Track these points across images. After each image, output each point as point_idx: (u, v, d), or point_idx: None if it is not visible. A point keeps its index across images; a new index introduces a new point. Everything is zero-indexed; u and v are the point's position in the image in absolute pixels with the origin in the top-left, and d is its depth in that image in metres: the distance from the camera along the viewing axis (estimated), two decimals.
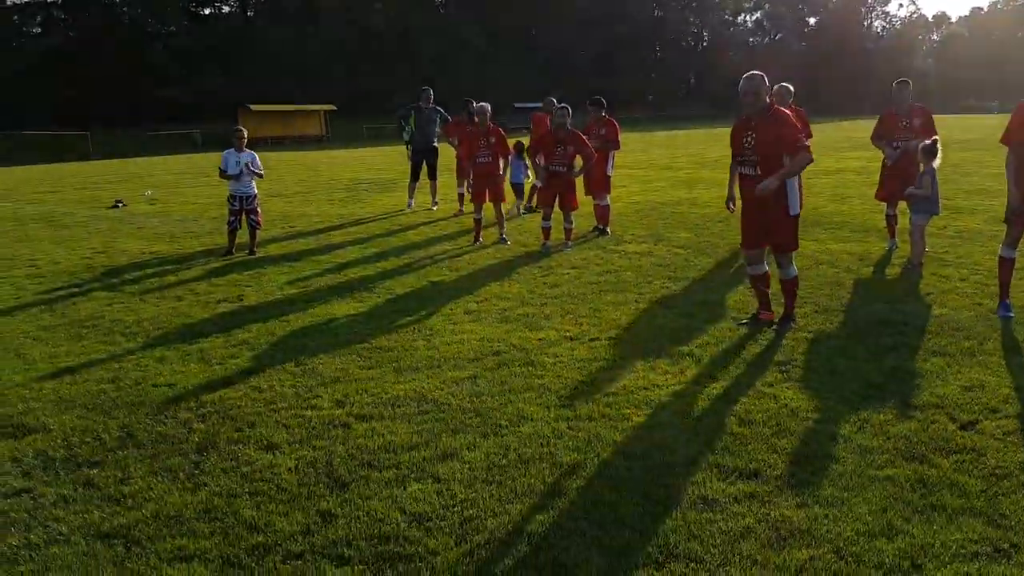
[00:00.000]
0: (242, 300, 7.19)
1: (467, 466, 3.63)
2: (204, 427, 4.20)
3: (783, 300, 5.74)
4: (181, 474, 3.65)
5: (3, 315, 6.85)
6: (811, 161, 5.25)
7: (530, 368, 4.97)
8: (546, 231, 9.37)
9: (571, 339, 5.58)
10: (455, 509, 3.23)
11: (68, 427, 4.22)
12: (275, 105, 55.16)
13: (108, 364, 5.34)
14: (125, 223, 13.09)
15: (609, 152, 10.15)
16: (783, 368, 4.82)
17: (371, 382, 4.82)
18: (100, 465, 3.76)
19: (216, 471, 3.67)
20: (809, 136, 9.22)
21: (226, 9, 70.87)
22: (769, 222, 5.42)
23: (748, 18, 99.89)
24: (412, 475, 3.56)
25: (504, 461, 3.66)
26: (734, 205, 5.96)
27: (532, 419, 4.15)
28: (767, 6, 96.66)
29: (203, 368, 5.21)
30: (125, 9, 62.05)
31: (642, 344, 5.39)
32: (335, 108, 58.22)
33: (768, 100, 5.33)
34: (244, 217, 9.63)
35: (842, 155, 22.07)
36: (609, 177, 10.21)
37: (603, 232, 10.15)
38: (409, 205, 13.67)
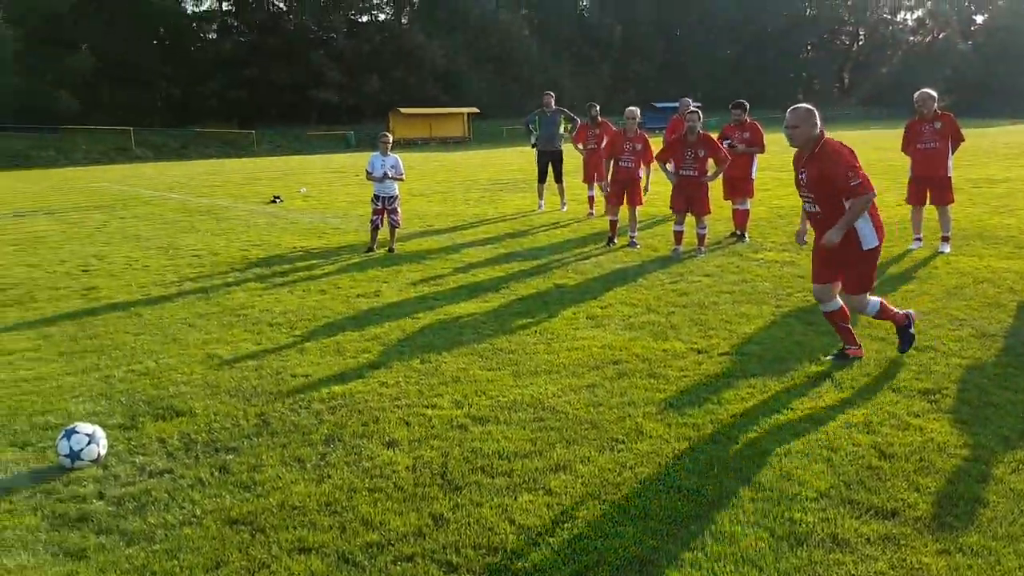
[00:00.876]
0: (378, 296, 7.46)
1: (580, 480, 3.56)
2: (333, 419, 4.38)
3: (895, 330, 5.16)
4: (308, 465, 3.82)
5: (166, 301, 7.48)
6: (869, 200, 4.69)
7: (652, 381, 4.82)
8: (678, 236, 9.11)
9: (699, 352, 5.37)
10: (566, 525, 3.17)
11: (212, 412, 4.53)
12: (422, 108, 57.32)
13: (253, 353, 5.70)
14: (280, 218, 13.99)
15: (753, 155, 9.80)
16: (932, 397, 4.40)
17: (490, 384, 4.85)
18: (236, 451, 4.01)
19: (340, 464, 3.82)
20: (959, 140, 8.59)
21: (382, 17, 74.34)
22: (840, 257, 4.90)
23: (908, 16, 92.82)
24: (524, 485, 3.53)
25: (619, 479, 3.56)
26: (805, 241, 5.59)
27: (651, 436, 4.01)
28: (929, 3, 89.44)
29: (337, 360, 5.45)
30: (291, 17, 66.44)
31: (777, 362, 5.09)
32: (478, 111, 59.64)
33: (817, 133, 4.84)
34: (386, 216, 10.05)
35: (1011, 162, 19.99)
36: (752, 181, 9.88)
37: (740, 238, 9.75)
38: (539, 206, 13.76)
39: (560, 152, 13.41)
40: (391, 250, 9.95)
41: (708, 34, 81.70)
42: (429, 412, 4.44)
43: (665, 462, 3.71)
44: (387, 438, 4.10)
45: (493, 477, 3.62)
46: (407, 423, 4.29)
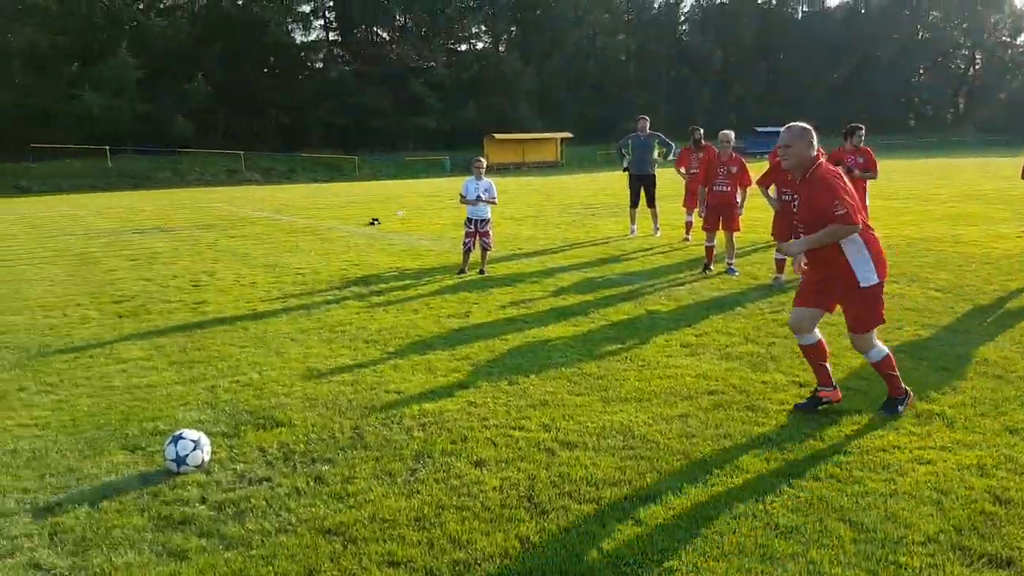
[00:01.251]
0: (469, 316, 7.55)
1: (671, 512, 3.46)
2: (423, 436, 4.44)
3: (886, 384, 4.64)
4: (399, 479, 3.88)
5: (270, 317, 7.81)
6: (847, 233, 4.29)
7: (750, 413, 4.66)
8: (780, 263, 8.82)
9: (801, 385, 5.16)
10: (655, 557, 3.09)
11: (309, 423, 4.68)
12: (516, 133, 58.20)
13: (350, 368, 5.86)
14: (378, 239, 14.41)
15: (866, 181, 9.55)
16: None
17: (578, 409, 4.80)
18: (331, 463, 4.12)
19: (429, 480, 3.86)
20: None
21: (480, 45, 76.25)
22: (836, 291, 4.52)
23: None
24: (612, 513, 3.47)
25: (712, 512, 3.44)
26: (802, 267, 4.97)
27: (747, 470, 3.86)
28: None
29: (428, 378, 5.54)
30: (393, 47, 68.89)
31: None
32: (571, 135, 59.99)
33: (812, 155, 4.44)
34: (478, 238, 10.20)
35: None
36: (866, 209, 9.54)
37: None
38: (632, 231, 13.64)
39: (653, 176, 13.28)
40: (482, 272, 10.08)
41: (813, 58, 79.54)
42: (516, 434, 4.43)
43: (762, 498, 3.57)
44: (475, 457, 4.12)
45: (580, 503, 3.57)
46: (495, 443, 4.30)
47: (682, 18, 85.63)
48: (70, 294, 9.35)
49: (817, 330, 4.66)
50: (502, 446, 4.26)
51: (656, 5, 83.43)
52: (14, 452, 4.33)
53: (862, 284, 4.39)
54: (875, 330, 4.51)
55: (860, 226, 4.32)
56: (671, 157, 13.45)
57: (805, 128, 4.46)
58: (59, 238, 16.05)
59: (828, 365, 4.71)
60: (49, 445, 4.42)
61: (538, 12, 73.79)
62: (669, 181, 13.56)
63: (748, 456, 4.03)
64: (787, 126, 4.56)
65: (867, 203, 9.58)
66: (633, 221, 13.69)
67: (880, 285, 4.45)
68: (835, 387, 4.73)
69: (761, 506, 3.49)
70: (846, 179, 4.48)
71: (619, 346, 6.27)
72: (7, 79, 47.56)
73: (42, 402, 5.22)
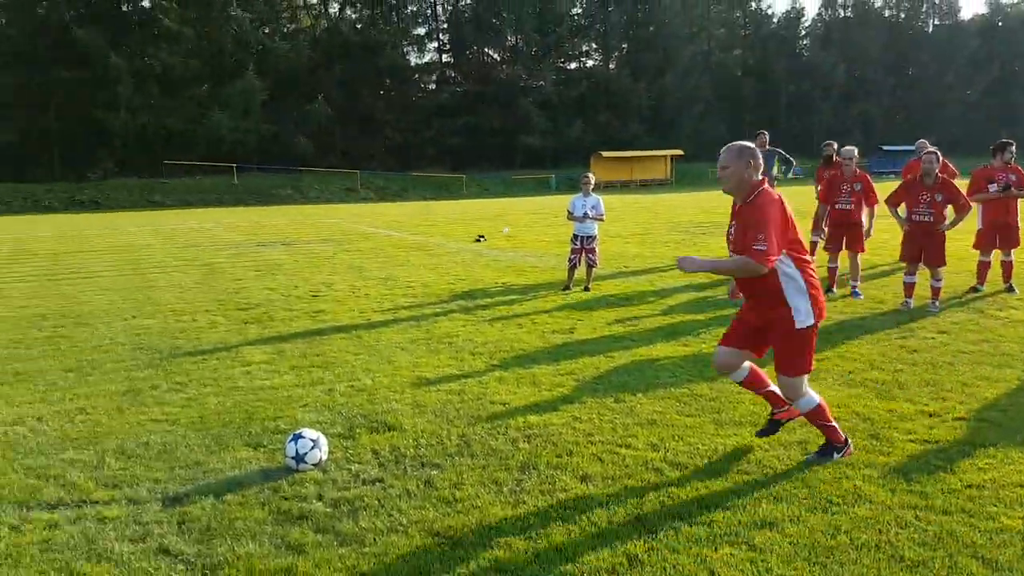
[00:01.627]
0: (573, 332, 7.53)
1: (788, 540, 3.31)
2: (528, 447, 4.44)
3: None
4: (505, 489, 3.90)
5: (382, 327, 8.06)
6: (753, 272, 3.89)
7: (875, 442, 4.40)
8: (909, 287, 8.31)
9: (930, 415, 4.83)
10: None
11: (419, 429, 4.78)
12: (624, 152, 57.83)
13: (456, 378, 5.96)
14: (483, 255, 14.64)
15: (1017, 200, 9.09)
16: None
17: (688, 430, 4.68)
18: (440, 468, 4.19)
19: (535, 491, 3.85)
20: None
21: (590, 63, 76.36)
22: (768, 333, 4.12)
23: None
24: (726, 537, 3.35)
25: (832, 542, 3.26)
26: (738, 296, 4.57)
27: (871, 501, 3.64)
28: None
29: (533, 392, 5.55)
30: (503, 67, 70.20)
31: (1023, 431, 4.46)
32: (681, 152, 59.07)
33: (755, 180, 4.03)
34: (583, 255, 10.17)
35: None
36: (1018, 228, 9.08)
37: (1010, 290, 8.94)
38: None
39: None
40: (587, 289, 10.03)
41: (945, 72, 75.09)
42: (623, 452, 4.36)
43: (886, 529, 3.36)
44: (581, 472, 4.08)
45: (691, 525, 3.47)
46: (600, 460, 4.25)
47: (803, 32, 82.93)
48: (199, 300, 9.98)
49: (742, 368, 4.30)
50: (608, 463, 4.21)
51: (775, 20, 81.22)
52: (147, 445, 4.64)
53: (797, 324, 3.99)
54: (806, 378, 4.10)
55: (766, 270, 3.87)
56: (791, 175, 12.98)
57: (745, 147, 4.06)
58: (189, 249, 17.20)
59: (774, 387, 4.35)
60: (178, 439, 4.72)
61: (651, 29, 73.30)
62: (788, 197, 13.09)
63: (872, 486, 3.80)
64: (727, 146, 4.12)
65: (1018, 223, 9.07)
66: None
67: (813, 329, 4.05)
68: (788, 407, 4.33)
69: (885, 538, 3.28)
70: (788, 211, 4.00)
71: None
72: (145, 101, 51.62)
73: (172, 400, 5.57)
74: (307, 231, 21.93)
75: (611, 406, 5.18)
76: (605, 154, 55.86)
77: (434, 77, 73.03)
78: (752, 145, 4.11)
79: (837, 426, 4.21)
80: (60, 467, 4.29)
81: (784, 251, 3.95)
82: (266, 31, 59.16)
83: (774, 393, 4.37)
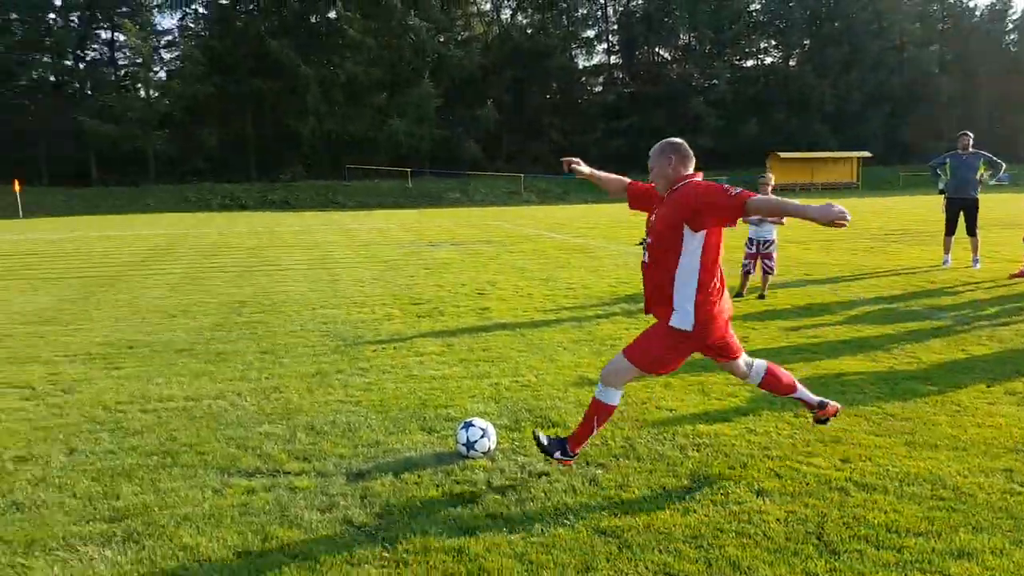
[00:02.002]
0: (746, 341, 7.20)
1: (988, 572, 2.98)
2: (698, 456, 4.31)
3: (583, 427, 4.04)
4: (673, 495, 3.80)
5: (544, 326, 8.14)
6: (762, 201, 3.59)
7: None
8: None
9: None
10: None
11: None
12: (804, 152, 54.79)
13: None
14: None
15: None
16: None
17: (877, 451, 4.33)
18: (605, 468, 4.16)
19: (705, 501, 3.72)
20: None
21: (768, 60, 73.09)
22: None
23: None
24: (917, 564, 3.07)
25: None
26: None
27: None
28: None
29: (702, 400, 5.37)
30: (674, 66, 68.89)
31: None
32: (870, 155, 55.08)
33: (676, 175, 3.85)
34: (759, 261, 9.73)
35: None
36: None
37: None
38: (946, 262, 12.07)
39: (975, 200, 11.69)
40: (762, 297, 9.57)
41: None
42: (804, 468, 4.11)
43: None
44: (756, 486, 3.89)
45: (879, 549, 3.21)
46: (778, 475, 4.03)
47: (1010, 25, 74.81)
48: (376, 294, 10.59)
49: (759, 360, 4.24)
50: (787, 478, 3.98)
51: (978, 13, 73.91)
52: (333, 423, 4.97)
53: (671, 323, 3.80)
54: (634, 372, 3.90)
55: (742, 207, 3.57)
56: (995, 180, 11.74)
57: (666, 143, 3.94)
58: (368, 247, 18.30)
59: (801, 389, 4.27)
60: (361, 420, 5.01)
61: (836, 24, 69.02)
62: (994, 206, 11.85)
63: None
64: (660, 142, 4.01)
65: None
66: (947, 250, 12.13)
67: (686, 337, 3.81)
68: (826, 404, 4.30)
69: None
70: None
71: (928, 387, 5.55)
72: (331, 108, 55.59)
73: (355, 383, 5.94)
74: (473, 232, 22.65)
75: (790, 420, 4.90)
76: (782, 155, 53.18)
77: (601, 79, 72.95)
78: (677, 140, 3.96)
79: (590, 438, 4.10)
80: (257, 439, 4.70)
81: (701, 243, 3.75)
82: (441, 39, 61.79)
83: (801, 399, 4.29)
